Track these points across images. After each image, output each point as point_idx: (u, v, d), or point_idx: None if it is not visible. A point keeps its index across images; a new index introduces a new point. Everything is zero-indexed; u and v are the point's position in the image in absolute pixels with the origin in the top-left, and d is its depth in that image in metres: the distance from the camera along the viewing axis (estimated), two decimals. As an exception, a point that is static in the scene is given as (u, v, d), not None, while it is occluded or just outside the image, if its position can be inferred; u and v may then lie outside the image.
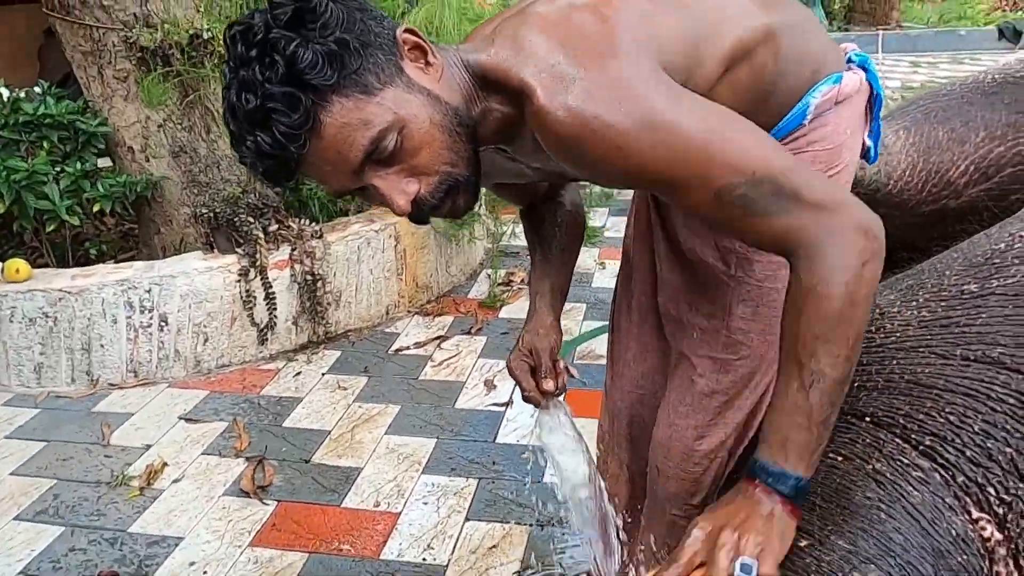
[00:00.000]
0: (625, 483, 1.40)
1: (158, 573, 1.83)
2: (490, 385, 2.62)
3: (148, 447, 2.34)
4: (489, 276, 3.41)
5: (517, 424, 2.38)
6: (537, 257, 1.26)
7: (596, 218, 4.05)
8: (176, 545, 1.92)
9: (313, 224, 2.96)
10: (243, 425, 2.41)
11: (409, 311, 3.21)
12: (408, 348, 2.91)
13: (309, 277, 2.86)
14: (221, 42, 1.60)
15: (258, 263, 2.75)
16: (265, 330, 2.83)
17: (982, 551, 0.86)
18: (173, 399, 2.61)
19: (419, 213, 0.88)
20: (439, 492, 2.08)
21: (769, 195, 0.81)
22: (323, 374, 2.74)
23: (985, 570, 0.84)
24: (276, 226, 2.86)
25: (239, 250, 2.74)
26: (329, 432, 2.38)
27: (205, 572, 1.83)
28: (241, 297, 2.75)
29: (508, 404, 2.49)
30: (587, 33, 0.85)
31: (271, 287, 2.78)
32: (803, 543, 0.87)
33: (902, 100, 3.49)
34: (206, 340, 2.76)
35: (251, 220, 2.77)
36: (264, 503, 2.05)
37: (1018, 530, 0.86)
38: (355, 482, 2.13)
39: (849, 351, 0.82)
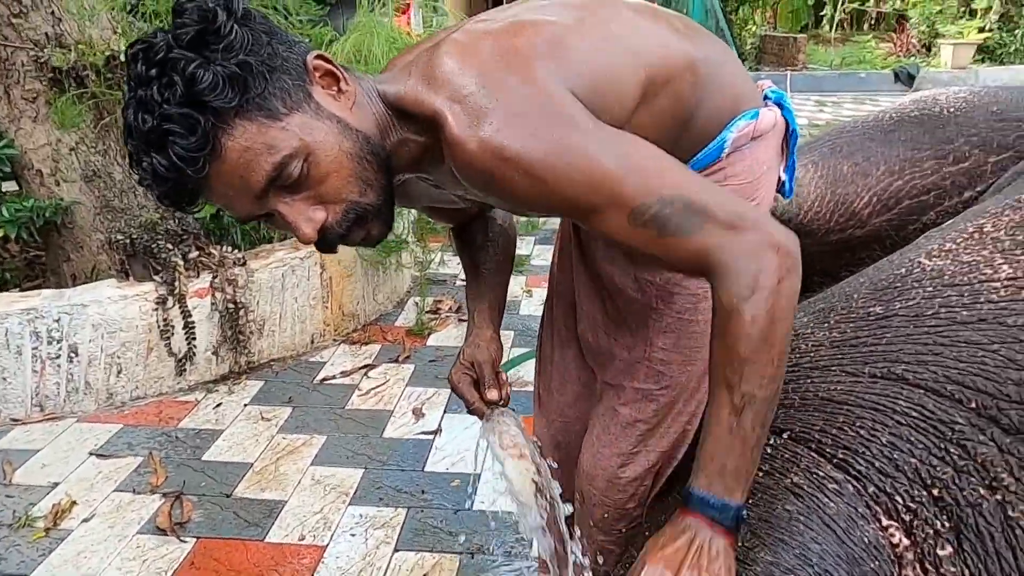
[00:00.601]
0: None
1: (65, 619, 1.72)
2: (418, 414, 2.60)
3: (55, 485, 2.21)
4: (417, 304, 3.39)
5: (446, 452, 2.37)
6: (472, 274, 1.27)
7: (523, 246, 4.09)
8: (85, 588, 1.81)
9: (235, 251, 2.89)
10: (159, 459, 2.31)
11: (335, 340, 3.16)
12: (334, 377, 2.86)
13: (231, 305, 2.79)
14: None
15: (177, 291, 2.66)
16: (183, 360, 2.73)
17: (892, 557, 0.91)
18: (83, 434, 2.48)
19: (325, 242, 0.87)
20: (367, 523, 2.04)
21: (681, 213, 0.81)
22: (245, 405, 2.66)
23: (895, 575, 0.89)
24: (196, 253, 2.78)
25: (156, 278, 2.65)
26: (251, 465, 2.31)
27: (117, 616, 1.73)
28: (158, 326, 2.65)
29: (437, 432, 2.47)
30: (500, 61, 0.85)
31: (190, 316, 2.70)
32: None
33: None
34: (120, 371, 2.64)
35: (170, 247, 2.69)
36: (182, 540, 1.97)
37: (923, 535, 0.92)
38: (279, 515, 2.07)
39: (775, 370, 0.82)
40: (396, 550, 1.94)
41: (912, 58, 9.43)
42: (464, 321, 3.31)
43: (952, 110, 1.89)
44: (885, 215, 1.93)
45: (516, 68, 0.85)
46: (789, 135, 1.12)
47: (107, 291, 2.61)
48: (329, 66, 0.87)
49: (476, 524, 2.04)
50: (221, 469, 2.28)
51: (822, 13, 11.52)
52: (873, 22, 11.79)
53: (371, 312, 3.37)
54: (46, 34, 2.75)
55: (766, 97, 1.11)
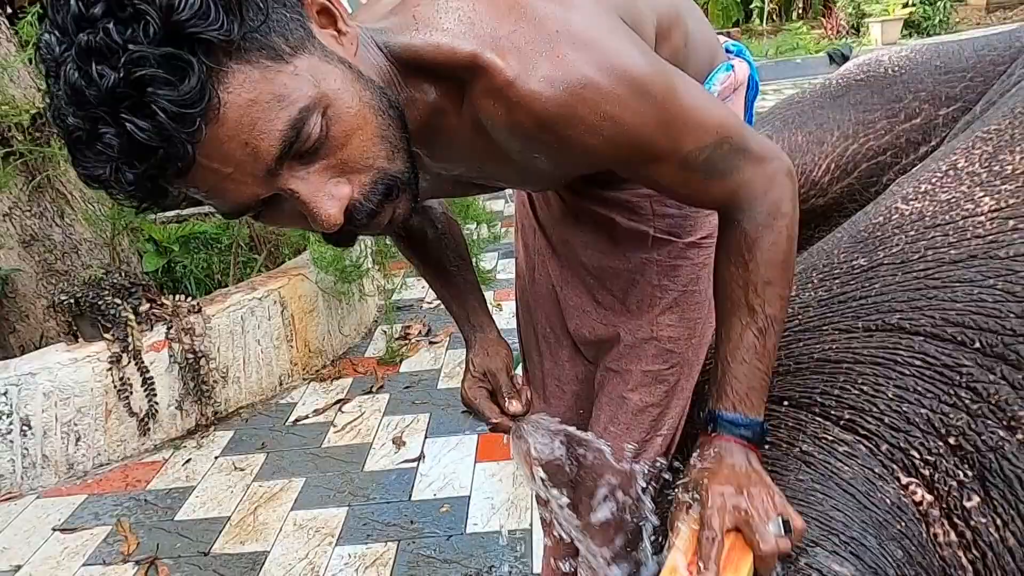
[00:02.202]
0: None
1: None
2: (399, 442, 2.50)
3: (18, 568, 2.06)
4: (385, 332, 3.29)
5: (432, 478, 2.27)
6: (440, 277, 1.16)
7: (487, 261, 4.02)
8: (59, 674, 1.67)
9: (189, 299, 2.77)
10: (128, 526, 2.17)
11: (304, 379, 3.04)
12: (307, 417, 2.74)
13: (190, 356, 2.67)
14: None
15: (131, 347, 2.53)
16: (146, 419, 2.59)
17: (917, 515, 0.85)
18: (44, 510, 2.32)
19: (351, 226, 0.68)
20: (357, 563, 1.93)
21: (728, 155, 0.79)
22: (216, 457, 2.53)
23: (924, 534, 0.83)
24: (148, 305, 2.65)
25: (107, 335, 2.52)
26: (228, 518, 2.18)
27: None
28: (115, 387, 2.51)
29: (420, 459, 2.37)
30: None
31: (148, 372, 2.57)
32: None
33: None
34: (78, 439, 2.49)
35: (118, 301, 2.56)
36: (160, 608, 1.84)
37: (946, 488, 0.86)
38: (263, 567, 1.95)
39: (789, 290, 0.86)
40: (391, 587, 1.83)
41: (843, 39, 9.65)
42: (436, 343, 3.22)
43: (897, 69, 1.88)
44: (845, 180, 1.91)
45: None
46: (749, 87, 1.08)
47: (56, 356, 2.47)
48: (325, 1, 0.69)
49: (471, 548, 1.94)
50: (196, 527, 2.15)
51: (752, 7, 11.75)
52: (801, 10, 12.06)
53: (339, 346, 3.26)
54: (-36, 97, 2.63)
55: (727, 50, 1.07)
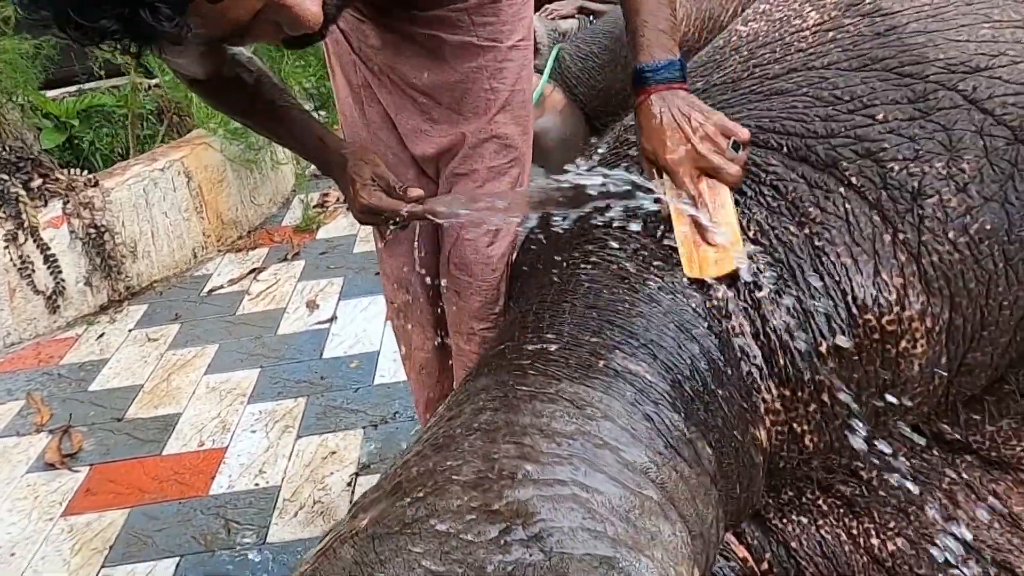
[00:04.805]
0: (433, 350, 1.38)
1: (-41, 568, 1.66)
2: (312, 305, 2.53)
3: (-69, 445, 2.09)
4: (302, 201, 3.24)
5: (343, 338, 2.32)
6: (277, 120, 1.12)
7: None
8: (-23, 535, 1.74)
9: (85, 172, 2.68)
10: (40, 399, 2.20)
11: (220, 250, 3.01)
12: (221, 287, 2.74)
13: (92, 231, 2.61)
14: None
15: (26, 224, 2.46)
16: (54, 296, 2.56)
17: (717, 313, 0.90)
18: (-44, 389, 2.33)
19: (325, 22, 0.76)
20: (267, 418, 2.00)
21: None
22: (130, 330, 2.53)
23: (725, 330, 0.88)
24: (40, 180, 2.56)
25: (-1, 213, 2.44)
26: (142, 386, 2.21)
27: (13, 554, 1.67)
28: (15, 265, 2.46)
29: (332, 320, 2.41)
30: None
31: (48, 248, 2.51)
32: (554, 347, 0.88)
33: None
34: (-16, 320, 2.47)
35: (5, 177, 2.46)
36: (74, 471, 1.89)
37: (742, 283, 0.90)
38: (175, 428, 2.00)
39: None
40: (299, 436, 1.91)
41: None
42: (353, 210, 3.19)
43: None
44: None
45: None
46: None
47: (-54, 237, 2.40)
48: None
49: (378, 398, 2.01)
50: (109, 396, 2.19)
51: None
52: None
53: (255, 217, 3.22)
54: None
55: None
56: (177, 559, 1.61)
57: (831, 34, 0.98)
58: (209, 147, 2.98)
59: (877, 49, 0.95)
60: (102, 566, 1.62)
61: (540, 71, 1.99)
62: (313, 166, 1.54)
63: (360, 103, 1.18)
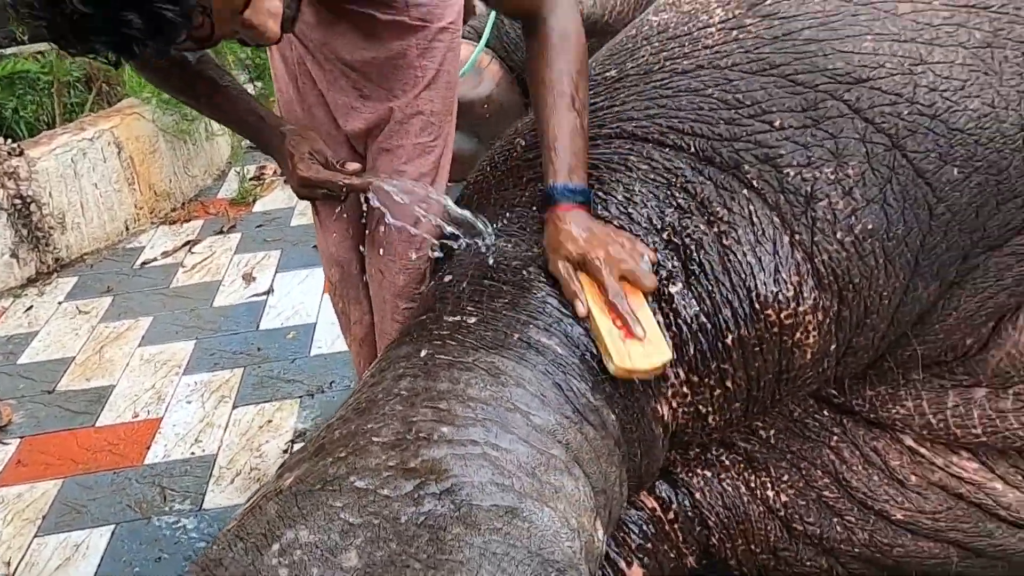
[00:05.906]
0: (370, 324, 1.43)
1: None
2: (249, 278, 2.53)
3: None
4: (238, 173, 3.22)
5: (280, 309, 2.34)
6: (219, 98, 1.17)
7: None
8: (-96, 509, 1.72)
9: (9, 141, 2.61)
10: (-34, 372, 2.17)
11: (153, 222, 2.97)
12: (155, 260, 2.71)
13: (17, 202, 2.55)
14: None
15: (-53, 194, 2.39)
16: (-22, 269, 2.51)
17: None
18: None
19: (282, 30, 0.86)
20: (202, 389, 2.02)
21: None
22: (60, 303, 2.50)
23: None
24: (-40, 149, 2.48)
25: (-83, 182, 2.36)
26: (73, 358, 2.20)
27: (-58, 526, 1.67)
28: (-64, 236, 2.40)
29: (269, 292, 2.43)
30: None
31: (-29, 219, 2.45)
32: (473, 319, 0.94)
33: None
34: (-96, 292, 2.40)
35: (-77, 145, 2.38)
36: (3, 443, 1.89)
37: (658, 278, 0.97)
38: (108, 400, 2.01)
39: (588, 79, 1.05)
40: (235, 406, 1.94)
41: None
42: (290, 182, 3.18)
43: None
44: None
45: None
46: None
47: None
48: None
49: (314, 368, 2.05)
50: (40, 369, 2.17)
51: None
52: None
53: (189, 188, 3.17)
54: None
55: None
56: (112, 527, 1.63)
57: (734, 33, 1.05)
58: (141, 117, 2.92)
59: (775, 55, 1.02)
60: (35, 536, 1.63)
61: (479, 35, 2.03)
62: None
63: (295, 79, 1.22)
